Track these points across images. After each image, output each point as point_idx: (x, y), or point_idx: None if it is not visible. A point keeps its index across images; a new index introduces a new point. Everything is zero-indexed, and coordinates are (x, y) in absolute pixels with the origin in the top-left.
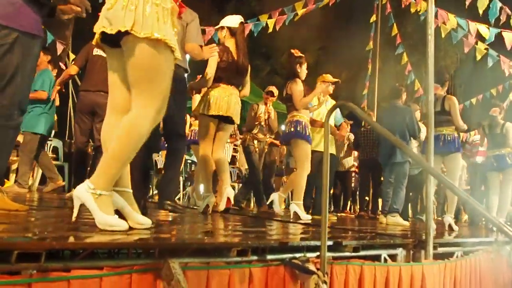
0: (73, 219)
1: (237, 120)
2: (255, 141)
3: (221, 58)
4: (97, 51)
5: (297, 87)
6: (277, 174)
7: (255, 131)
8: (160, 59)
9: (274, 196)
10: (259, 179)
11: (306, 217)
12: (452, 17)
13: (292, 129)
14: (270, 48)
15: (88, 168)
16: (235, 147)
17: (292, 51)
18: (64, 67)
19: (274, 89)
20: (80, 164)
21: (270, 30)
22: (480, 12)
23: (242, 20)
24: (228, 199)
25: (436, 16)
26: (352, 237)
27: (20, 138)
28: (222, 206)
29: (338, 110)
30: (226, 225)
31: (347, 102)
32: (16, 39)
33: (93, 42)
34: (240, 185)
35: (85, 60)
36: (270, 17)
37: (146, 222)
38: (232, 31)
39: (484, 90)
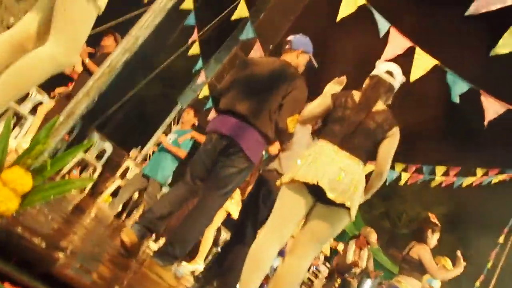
0: None
1: None
2: None
3: None
4: None
5: (428, 255)
6: None
7: None
8: None
9: None
10: None
11: None
12: None
13: None
14: (390, 190)
15: None
16: None
17: (430, 214)
18: None
19: (373, 238)
20: None
21: (401, 183)
22: None
23: None
24: None
25: None
26: None
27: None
28: None
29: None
30: None
31: None
32: (247, 167)
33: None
34: None
35: None
36: (405, 170)
37: None
38: None
39: None
